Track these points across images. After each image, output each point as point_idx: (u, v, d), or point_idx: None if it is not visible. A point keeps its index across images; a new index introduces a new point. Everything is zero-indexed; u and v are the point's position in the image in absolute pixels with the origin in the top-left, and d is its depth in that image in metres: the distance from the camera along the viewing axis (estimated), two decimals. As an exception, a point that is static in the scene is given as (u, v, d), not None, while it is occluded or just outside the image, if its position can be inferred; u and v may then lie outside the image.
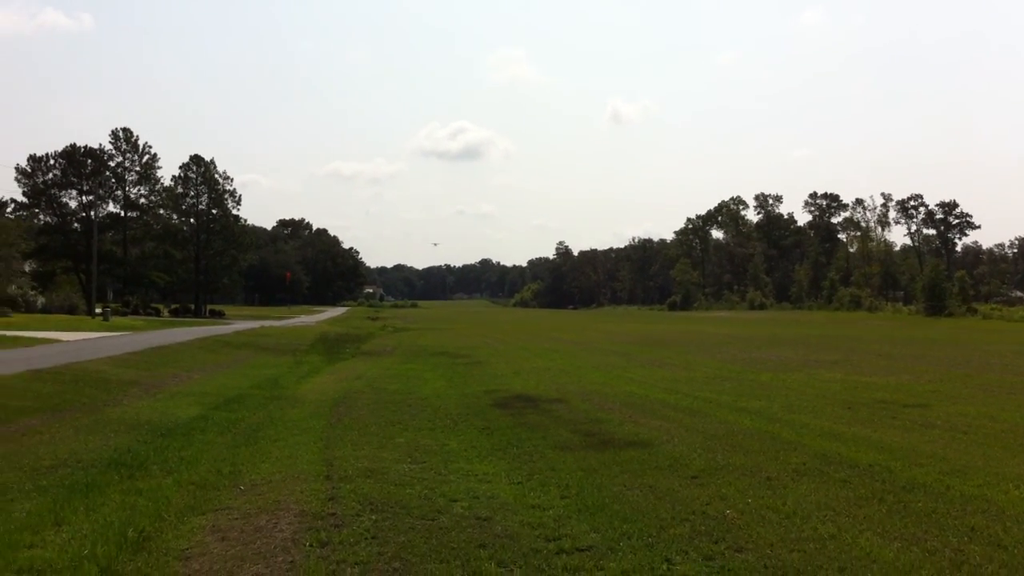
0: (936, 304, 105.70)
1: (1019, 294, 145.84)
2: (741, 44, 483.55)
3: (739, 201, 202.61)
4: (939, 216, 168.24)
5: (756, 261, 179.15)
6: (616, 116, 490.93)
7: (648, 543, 8.57)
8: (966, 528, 9.11)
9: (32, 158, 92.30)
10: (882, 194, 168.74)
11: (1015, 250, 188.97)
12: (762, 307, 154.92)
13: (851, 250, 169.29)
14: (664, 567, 7.84)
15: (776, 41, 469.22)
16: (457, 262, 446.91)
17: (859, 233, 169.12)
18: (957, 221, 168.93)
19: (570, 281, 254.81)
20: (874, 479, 11.58)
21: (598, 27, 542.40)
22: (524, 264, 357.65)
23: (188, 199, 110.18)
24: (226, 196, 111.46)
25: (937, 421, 17.22)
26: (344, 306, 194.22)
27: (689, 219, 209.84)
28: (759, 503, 10.22)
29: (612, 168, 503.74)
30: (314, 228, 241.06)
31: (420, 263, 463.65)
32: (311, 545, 8.48)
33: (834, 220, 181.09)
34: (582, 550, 8.35)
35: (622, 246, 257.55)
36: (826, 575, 7.62)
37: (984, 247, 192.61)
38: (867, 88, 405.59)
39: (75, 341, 39.13)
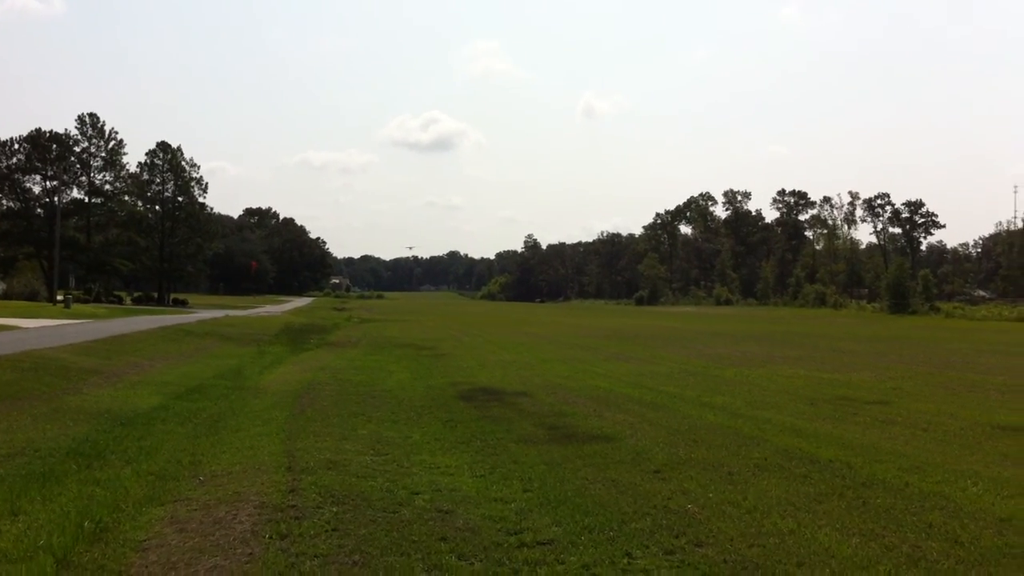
0: (900, 302, 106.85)
1: (982, 293, 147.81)
2: (716, 40, 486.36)
3: (708, 197, 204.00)
4: (905, 215, 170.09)
5: (723, 257, 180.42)
6: (588, 110, 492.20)
7: (609, 537, 8.58)
8: (924, 524, 9.20)
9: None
10: (849, 192, 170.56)
11: (978, 250, 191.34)
12: (728, 303, 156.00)
13: (817, 247, 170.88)
14: (625, 561, 7.85)
15: (751, 38, 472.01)
16: (425, 254, 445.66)
17: (826, 231, 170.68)
18: (923, 220, 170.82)
19: (538, 274, 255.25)
20: (834, 475, 11.67)
21: (572, 20, 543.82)
22: (492, 257, 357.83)
23: (154, 186, 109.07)
24: (192, 184, 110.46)
25: (898, 418, 17.40)
26: (310, 296, 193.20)
27: (658, 214, 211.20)
28: (720, 498, 10.26)
29: (583, 162, 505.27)
30: (281, 217, 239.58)
31: (387, 254, 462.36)
32: (271, 537, 8.40)
33: (801, 217, 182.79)
34: (543, 543, 8.34)
35: (591, 240, 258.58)
36: (785, 570, 7.66)
37: (948, 246, 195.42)
38: (839, 87, 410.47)
39: (35, 328, 38.59)
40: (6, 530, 8.68)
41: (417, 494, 10.33)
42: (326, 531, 8.64)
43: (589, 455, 13.04)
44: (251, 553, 7.92)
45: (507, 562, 7.77)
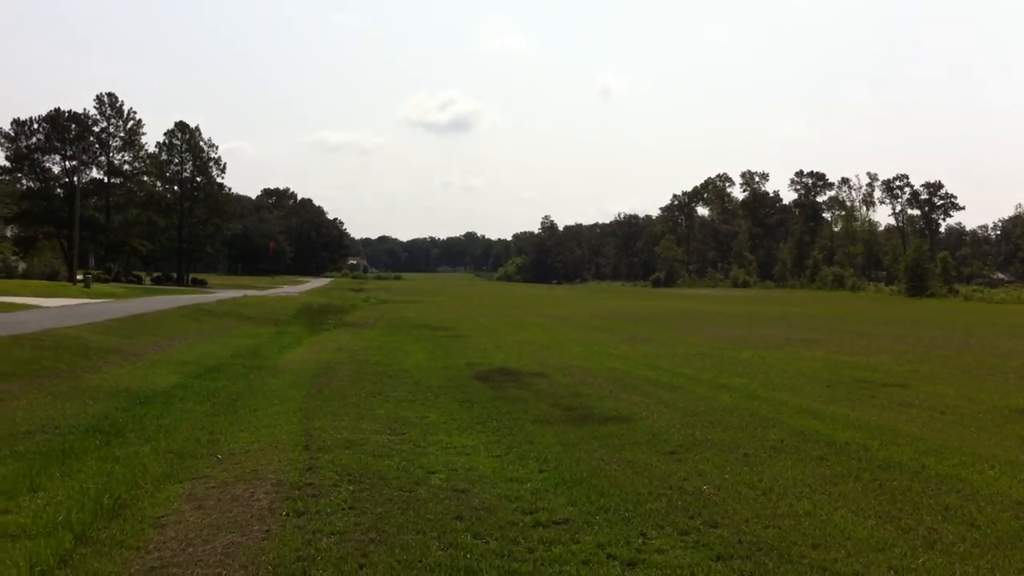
0: (918, 285, 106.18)
1: (1001, 276, 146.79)
2: (733, 19, 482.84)
3: (725, 178, 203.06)
4: (924, 197, 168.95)
5: (741, 239, 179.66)
6: (605, 90, 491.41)
7: (624, 517, 8.60)
8: (940, 507, 9.17)
9: (16, 122, 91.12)
10: (868, 173, 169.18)
11: (998, 232, 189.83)
12: (745, 285, 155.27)
13: (835, 229, 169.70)
14: (640, 541, 7.87)
15: (768, 17, 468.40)
16: (442, 234, 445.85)
17: (844, 212, 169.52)
18: (941, 202, 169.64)
19: (554, 256, 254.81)
20: (851, 457, 11.64)
21: None
22: (509, 238, 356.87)
23: (172, 166, 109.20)
24: (211, 164, 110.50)
25: (915, 401, 17.32)
26: (328, 277, 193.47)
27: (675, 195, 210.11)
28: (736, 479, 10.26)
29: (599, 143, 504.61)
30: (299, 198, 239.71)
31: (405, 235, 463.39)
32: (288, 515, 8.48)
33: (819, 199, 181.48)
34: (559, 523, 8.37)
35: (607, 221, 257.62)
36: (800, 551, 7.66)
37: (968, 228, 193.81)
38: (858, 67, 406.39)
39: (55, 307, 38.79)
40: (26, 506, 8.79)
41: (433, 473, 10.38)
42: (343, 509, 8.71)
43: (605, 436, 13.05)
44: (268, 530, 7.99)
45: (522, 541, 7.80)
